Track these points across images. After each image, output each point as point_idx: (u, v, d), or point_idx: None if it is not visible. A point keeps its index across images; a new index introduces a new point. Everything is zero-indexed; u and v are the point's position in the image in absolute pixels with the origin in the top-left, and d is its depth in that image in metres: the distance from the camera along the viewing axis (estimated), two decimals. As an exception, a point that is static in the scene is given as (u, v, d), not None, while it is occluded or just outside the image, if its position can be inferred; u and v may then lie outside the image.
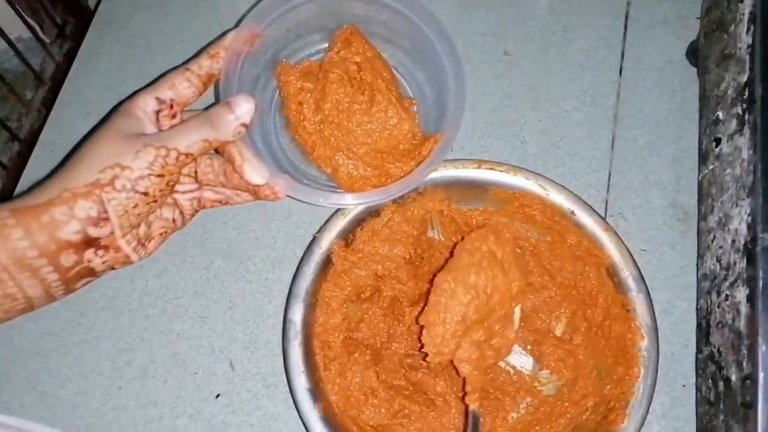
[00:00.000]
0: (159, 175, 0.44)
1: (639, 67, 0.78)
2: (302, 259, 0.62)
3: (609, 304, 0.62)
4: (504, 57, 0.79)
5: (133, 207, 0.43)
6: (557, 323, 0.66)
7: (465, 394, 0.57)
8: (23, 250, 0.40)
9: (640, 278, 0.60)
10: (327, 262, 0.62)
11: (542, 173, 0.72)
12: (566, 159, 0.74)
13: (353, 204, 0.58)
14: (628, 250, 0.61)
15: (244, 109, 0.47)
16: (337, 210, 0.63)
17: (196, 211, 0.53)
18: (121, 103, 0.48)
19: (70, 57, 0.84)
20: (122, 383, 0.66)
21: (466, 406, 0.57)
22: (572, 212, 0.62)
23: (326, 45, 0.64)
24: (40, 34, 0.85)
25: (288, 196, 0.53)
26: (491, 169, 0.64)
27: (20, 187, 0.76)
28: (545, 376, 0.64)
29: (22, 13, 0.81)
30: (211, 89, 0.53)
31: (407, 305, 0.65)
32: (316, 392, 0.58)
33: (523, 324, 0.66)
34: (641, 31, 0.79)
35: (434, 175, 0.63)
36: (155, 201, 0.45)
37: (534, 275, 0.67)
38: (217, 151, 0.50)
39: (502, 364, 0.65)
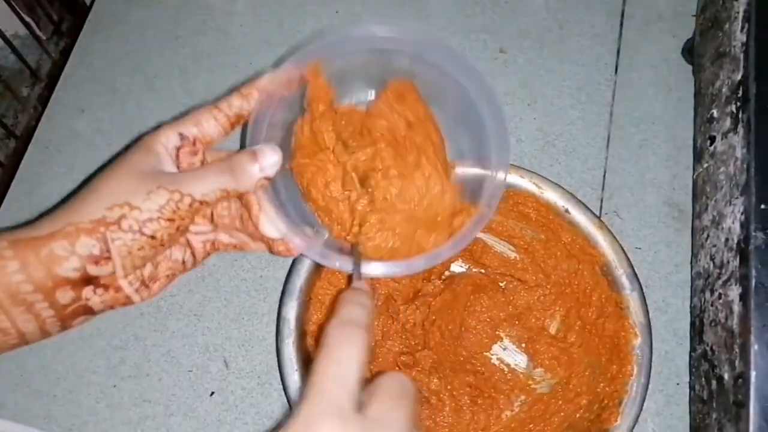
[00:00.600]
0: (169, 220, 0.42)
1: (634, 65, 0.78)
2: (296, 258, 0.62)
3: (603, 302, 0.62)
4: (499, 54, 0.79)
5: (138, 249, 0.41)
6: (551, 321, 0.66)
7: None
8: (18, 284, 0.39)
9: (634, 276, 0.60)
10: None
11: (537, 171, 0.73)
12: (561, 157, 0.74)
13: (375, 275, 0.52)
14: (621, 247, 0.61)
15: (269, 161, 0.44)
16: None
17: (209, 253, 0.50)
18: (142, 136, 0.46)
19: (66, 54, 0.84)
20: (116, 381, 0.66)
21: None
22: (566, 210, 0.62)
23: (371, 98, 0.59)
24: (37, 31, 0.84)
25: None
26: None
27: (16, 182, 0.76)
28: (539, 374, 0.65)
29: (19, 10, 0.81)
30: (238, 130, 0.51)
31: (401, 303, 0.65)
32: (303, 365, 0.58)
33: (517, 322, 0.66)
34: (637, 28, 0.79)
35: None
36: (162, 245, 0.42)
37: (528, 273, 0.67)
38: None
39: (496, 362, 0.65)
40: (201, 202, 0.42)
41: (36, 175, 0.76)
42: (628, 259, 0.61)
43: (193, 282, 0.70)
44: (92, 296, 0.41)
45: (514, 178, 0.63)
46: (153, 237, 0.41)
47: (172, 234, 0.42)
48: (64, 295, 0.40)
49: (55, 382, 0.66)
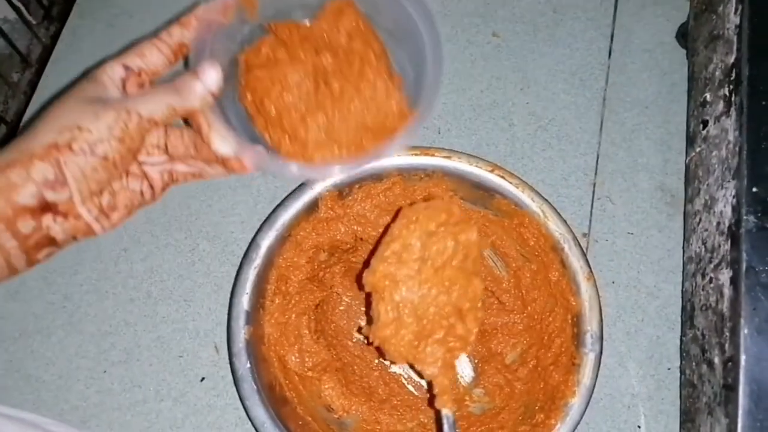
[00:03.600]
0: (119, 139, 0.42)
1: (628, 50, 0.77)
2: (290, 194, 0.62)
3: (561, 351, 0.61)
4: (492, 38, 0.78)
5: (92, 171, 0.42)
6: (510, 351, 0.65)
7: (433, 396, 0.54)
8: None
9: (599, 337, 0.59)
10: (313, 205, 0.62)
11: (530, 156, 0.73)
12: (554, 142, 0.73)
13: (318, 175, 0.55)
14: (599, 306, 0.60)
15: (211, 76, 0.46)
16: None
17: (167, 185, 0.51)
18: (88, 71, 0.47)
19: (56, 39, 0.83)
20: (106, 366, 0.66)
21: (437, 411, 0.54)
22: (562, 249, 0.61)
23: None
24: (26, 15, 0.84)
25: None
26: (502, 177, 0.62)
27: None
28: (478, 394, 0.64)
29: (8, -5, 0.80)
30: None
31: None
32: (252, 317, 0.59)
33: (480, 338, 0.65)
34: (631, 12, 0.79)
35: (447, 163, 0.63)
36: (115, 166, 0.43)
37: (509, 296, 0.66)
38: (186, 123, 0.49)
39: None
40: (149, 120, 0.43)
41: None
42: (601, 319, 0.59)
43: (183, 267, 0.69)
44: (53, 225, 0.42)
45: (525, 197, 0.62)
46: (105, 158, 0.42)
47: (124, 155, 0.43)
48: (25, 224, 0.41)
49: (45, 367, 0.66)
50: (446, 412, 0.53)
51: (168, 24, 0.48)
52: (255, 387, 0.57)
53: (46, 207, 0.41)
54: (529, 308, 0.65)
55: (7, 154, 0.41)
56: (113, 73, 0.45)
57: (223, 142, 0.47)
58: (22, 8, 0.83)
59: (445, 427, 0.53)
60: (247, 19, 0.57)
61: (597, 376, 0.58)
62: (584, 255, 0.61)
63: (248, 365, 0.58)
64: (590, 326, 0.59)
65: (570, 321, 0.61)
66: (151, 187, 0.49)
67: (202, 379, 0.66)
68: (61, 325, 0.67)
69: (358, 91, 0.57)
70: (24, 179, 0.40)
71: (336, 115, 0.56)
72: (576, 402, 0.57)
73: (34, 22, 0.85)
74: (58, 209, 0.42)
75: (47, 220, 0.42)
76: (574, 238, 0.61)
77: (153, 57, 0.47)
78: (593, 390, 0.58)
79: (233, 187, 0.72)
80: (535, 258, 0.64)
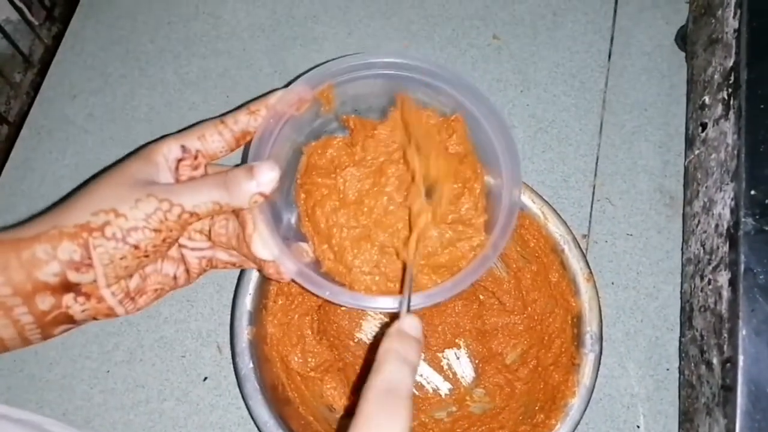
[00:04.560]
0: (156, 230, 0.40)
1: (628, 52, 0.78)
2: None
3: (561, 352, 0.61)
4: (493, 41, 0.79)
5: (121, 258, 0.39)
6: (511, 351, 0.66)
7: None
8: None
9: (599, 338, 0.59)
10: None
11: (530, 157, 0.73)
12: (554, 143, 0.74)
13: (372, 308, 0.48)
14: (599, 306, 0.60)
15: (266, 177, 0.42)
16: None
17: (204, 270, 0.48)
18: (146, 145, 0.44)
19: (58, 39, 0.84)
20: (110, 366, 0.67)
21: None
22: (563, 251, 0.62)
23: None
24: (29, 16, 0.84)
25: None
26: None
27: (8, 168, 0.75)
28: (479, 395, 0.65)
29: (10, -4, 0.80)
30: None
31: None
32: (255, 317, 0.60)
33: (480, 338, 0.66)
34: (631, 15, 0.79)
35: None
36: (147, 256, 0.41)
37: (510, 297, 0.66)
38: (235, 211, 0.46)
39: (446, 367, 0.66)
40: (191, 214, 0.41)
41: (28, 161, 0.76)
42: (600, 319, 0.60)
43: (186, 268, 0.70)
44: (73, 304, 0.40)
45: (525, 199, 0.62)
46: (137, 247, 0.40)
47: (158, 245, 0.41)
48: (44, 301, 0.39)
49: (49, 367, 0.67)
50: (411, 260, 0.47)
51: (238, 108, 0.46)
52: (257, 387, 0.58)
53: (68, 287, 0.39)
54: (529, 309, 0.65)
55: (39, 225, 0.39)
56: (169, 152, 0.43)
57: (263, 246, 0.44)
58: (25, 9, 0.83)
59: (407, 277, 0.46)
60: (321, 113, 0.52)
61: (597, 376, 0.58)
62: (584, 256, 0.61)
63: (251, 365, 0.58)
64: (590, 327, 0.59)
65: (570, 322, 0.61)
66: (187, 271, 0.47)
67: (205, 378, 0.66)
68: (65, 325, 0.68)
69: (445, 227, 0.51)
70: (50, 256, 0.38)
71: (402, 246, 0.51)
72: (576, 402, 0.58)
73: (36, 23, 0.85)
74: (81, 290, 0.39)
75: (68, 299, 0.39)
76: (574, 239, 0.62)
77: (214, 141, 0.44)
78: (593, 390, 0.58)
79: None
80: (536, 259, 0.65)
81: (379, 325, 0.66)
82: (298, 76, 0.47)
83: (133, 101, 0.78)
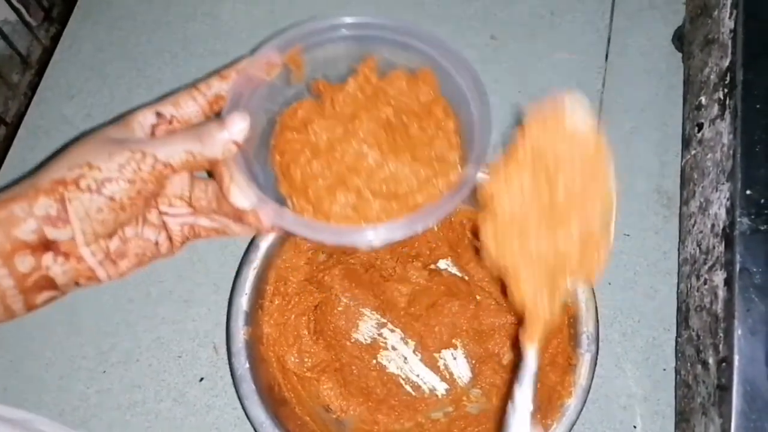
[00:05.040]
0: (130, 181, 0.40)
1: (625, 53, 0.78)
2: None
3: (558, 352, 0.61)
4: (490, 41, 0.79)
5: (96, 211, 0.40)
6: (508, 352, 0.66)
7: (520, 330, 0.48)
8: None
9: (595, 338, 0.59)
10: None
11: (527, 158, 0.73)
12: (551, 144, 0.74)
13: (363, 242, 0.47)
14: (596, 307, 0.60)
15: (237, 126, 0.43)
16: None
17: (187, 238, 0.48)
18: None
19: (56, 40, 0.84)
20: (106, 367, 0.67)
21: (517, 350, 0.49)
22: None
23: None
24: (27, 17, 0.84)
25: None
26: None
27: (5, 168, 0.76)
28: (475, 395, 0.65)
29: (8, -4, 0.80)
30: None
31: (378, 278, 0.66)
32: (251, 317, 0.60)
33: (477, 339, 0.66)
34: (628, 16, 0.79)
35: None
36: (123, 209, 0.41)
37: (507, 297, 0.66)
38: (211, 176, 0.47)
39: (443, 367, 0.66)
40: (165, 165, 0.41)
41: (26, 162, 0.76)
42: (597, 320, 0.60)
43: (183, 268, 0.70)
44: (53, 264, 0.39)
45: None
46: (112, 198, 0.40)
47: (133, 198, 0.41)
48: (23, 262, 0.39)
49: (45, 367, 0.67)
50: (532, 351, 0.46)
51: (208, 75, 0.47)
52: (254, 387, 0.58)
53: (46, 244, 0.39)
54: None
55: (16, 188, 0.39)
56: (144, 119, 0.44)
57: (241, 195, 0.45)
58: (23, 10, 0.84)
59: (525, 372, 0.45)
60: (292, 81, 0.54)
61: (593, 376, 0.58)
62: None
63: (247, 365, 0.58)
64: (586, 327, 0.59)
65: (566, 322, 0.61)
66: (170, 239, 0.47)
67: (201, 379, 0.66)
68: (62, 325, 0.68)
69: (417, 162, 0.51)
70: (26, 213, 0.38)
71: (378, 186, 0.51)
72: (572, 402, 0.57)
73: (34, 24, 0.85)
74: (60, 248, 0.39)
75: (47, 259, 0.39)
76: None
77: (188, 107, 0.45)
78: (589, 390, 0.58)
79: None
80: None
81: (376, 326, 0.66)
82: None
83: (130, 101, 0.78)
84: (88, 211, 0.39)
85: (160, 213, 0.45)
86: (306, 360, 0.63)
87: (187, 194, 0.47)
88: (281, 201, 0.53)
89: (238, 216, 0.47)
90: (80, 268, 0.41)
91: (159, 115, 0.44)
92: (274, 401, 0.59)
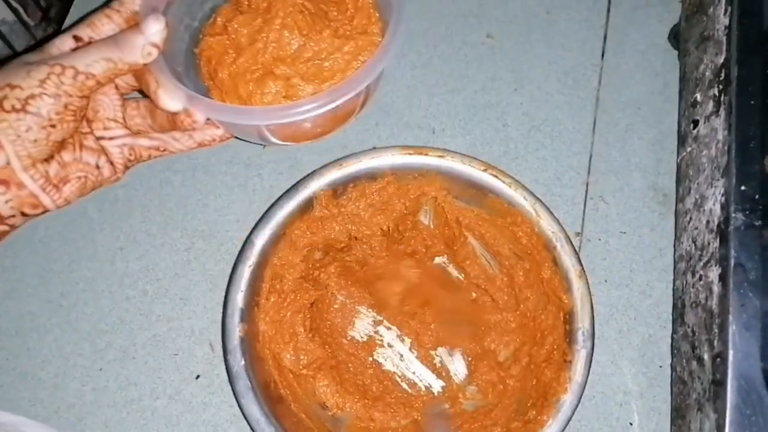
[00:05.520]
0: (54, 95, 0.40)
1: (621, 50, 0.78)
2: (284, 194, 0.63)
3: (553, 349, 0.61)
4: (486, 39, 0.79)
5: (26, 131, 0.39)
6: (504, 349, 0.66)
7: None
8: None
9: (591, 334, 0.59)
10: (308, 204, 0.63)
11: (524, 156, 0.73)
12: (547, 142, 0.74)
13: (279, 116, 0.47)
14: (591, 303, 0.60)
15: (153, 28, 0.43)
16: (333, 162, 0.63)
17: (129, 161, 0.48)
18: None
19: (52, 40, 0.84)
20: (102, 364, 0.67)
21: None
22: (555, 248, 0.61)
23: None
24: (24, 16, 0.84)
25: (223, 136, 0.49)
26: (495, 176, 0.63)
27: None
28: (471, 392, 0.65)
29: (5, -4, 0.80)
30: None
31: (372, 276, 0.66)
32: (247, 314, 0.60)
33: (475, 336, 0.66)
34: (624, 14, 0.79)
35: (440, 162, 0.63)
36: (53, 126, 0.40)
37: (503, 294, 0.67)
38: (142, 93, 0.47)
39: (438, 364, 0.66)
40: (87, 75, 0.41)
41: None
42: (592, 316, 0.60)
43: (179, 266, 0.70)
44: None
45: (518, 197, 0.63)
46: (39, 115, 0.39)
47: (61, 113, 0.41)
48: None
49: (41, 365, 0.66)
50: None
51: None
52: (249, 384, 0.58)
53: None
54: (521, 306, 0.65)
55: None
56: (62, 44, 0.43)
57: (171, 97, 0.44)
58: (20, 9, 0.84)
59: None
60: None
61: (589, 372, 0.58)
62: (576, 253, 0.61)
63: (243, 362, 0.58)
64: (582, 323, 0.59)
65: (562, 318, 0.61)
66: (111, 162, 0.47)
67: (197, 377, 0.66)
68: (57, 323, 0.68)
69: (339, 39, 0.52)
70: None
71: (306, 70, 0.51)
72: (568, 398, 0.58)
73: (31, 24, 0.85)
74: None
75: None
76: (566, 236, 0.62)
77: (104, 27, 0.45)
78: (585, 386, 0.58)
79: (229, 186, 0.73)
80: (528, 256, 0.65)
81: (372, 323, 0.66)
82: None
83: (127, 100, 0.78)
84: (18, 133, 0.39)
85: (97, 138, 0.45)
86: (302, 357, 0.63)
87: (120, 115, 0.47)
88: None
89: (173, 122, 0.46)
90: (22, 195, 0.40)
91: (77, 38, 0.44)
92: (269, 399, 0.59)
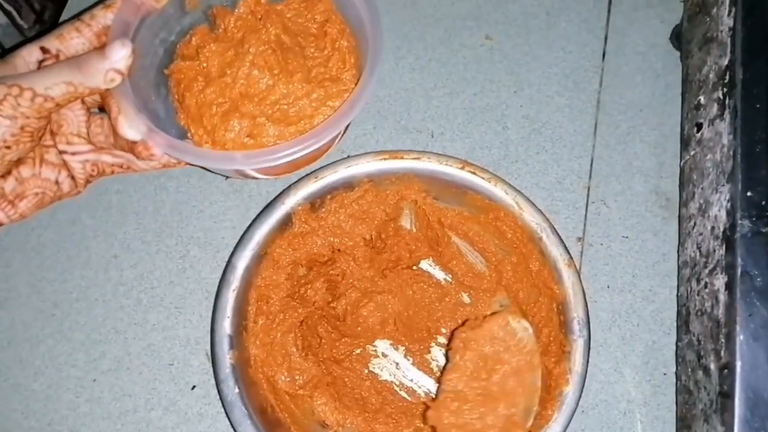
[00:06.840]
0: (11, 117, 0.39)
1: (622, 52, 0.76)
2: (262, 211, 0.61)
3: (550, 341, 0.60)
4: (486, 41, 0.78)
5: None
6: None
7: None
8: None
9: (586, 323, 0.58)
10: (287, 221, 0.61)
11: (524, 159, 0.72)
12: (548, 145, 0.73)
13: (265, 160, 0.47)
14: (583, 291, 0.59)
15: (118, 54, 0.41)
16: (309, 174, 0.61)
17: (91, 176, 0.47)
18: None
19: (45, 43, 0.82)
20: (96, 375, 0.65)
21: None
22: (540, 239, 0.60)
23: None
24: (18, 19, 0.83)
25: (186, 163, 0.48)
26: (473, 173, 0.62)
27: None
28: None
29: (-2, -1, 0.79)
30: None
31: (356, 291, 0.65)
32: (236, 340, 0.58)
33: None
34: (625, 14, 0.78)
35: (416, 165, 0.62)
36: (8, 148, 0.40)
37: (495, 290, 0.66)
38: (103, 110, 0.46)
39: (435, 369, 0.65)
40: (45, 98, 0.40)
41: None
42: (585, 304, 0.59)
43: (174, 274, 0.68)
44: None
45: (498, 192, 0.62)
46: None
47: (17, 135, 0.40)
48: None
49: (34, 376, 0.65)
50: None
51: (94, 5, 0.45)
52: (246, 412, 0.56)
53: None
54: (513, 300, 0.64)
55: None
56: (29, 55, 0.43)
57: (129, 126, 0.43)
58: (14, 12, 0.82)
59: None
60: (187, 8, 0.53)
61: (588, 362, 0.58)
62: (563, 242, 0.60)
63: (236, 390, 0.57)
64: (576, 313, 0.58)
65: (555, 309, 0.60)
66: (72, 177, 0.46)
67: (193, 387, 0.65)
68: (51, 333, 0.67)
69: (310, 84, 0.52)
70: None
71: (271, 113, 0.51)
72: (570, 390, 0.57)
73: (25, 26, 0.84)
74: None
75: None
76: (551, 226, 0.61)
77: (73, 39, 0.44)
78: (586, 377, 0.57)
79: (225, 193, 0.71)
80: (514, 250, 0.64)
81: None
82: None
83: (120, 105, 0.77)
84: None
85: (60, 152, 0.44)
86: (297, 378, 0.61)
87: (85, 131, 0.46)
88: (181, 132, 0.53)
89: (131, 149, 0.45)
90: None
91: (44, 50, 0.43)
92: (268, 424, 0.57)
